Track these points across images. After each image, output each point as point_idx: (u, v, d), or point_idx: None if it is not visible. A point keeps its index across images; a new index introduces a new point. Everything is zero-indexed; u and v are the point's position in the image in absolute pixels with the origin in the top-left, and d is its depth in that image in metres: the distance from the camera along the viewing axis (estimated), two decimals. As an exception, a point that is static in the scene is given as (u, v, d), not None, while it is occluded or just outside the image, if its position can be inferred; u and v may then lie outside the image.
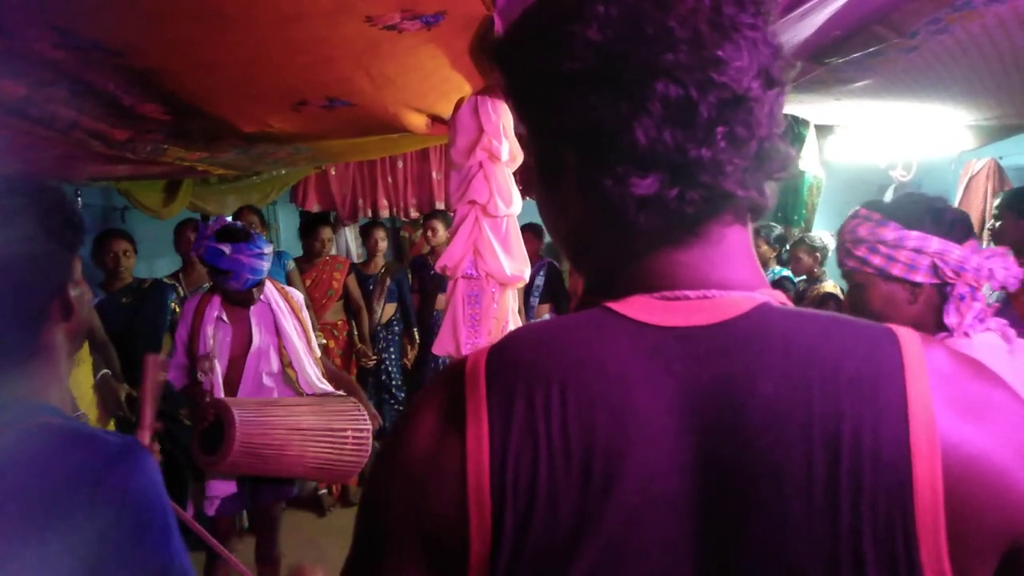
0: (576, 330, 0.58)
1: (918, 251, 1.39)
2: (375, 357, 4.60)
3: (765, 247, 4.39)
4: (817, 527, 0.51)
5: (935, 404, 0.52)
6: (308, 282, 4.31)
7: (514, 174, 2.71)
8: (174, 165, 3.20)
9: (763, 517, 0.52)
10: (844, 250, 1.51)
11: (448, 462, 0.56)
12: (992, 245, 2.26)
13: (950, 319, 1.39)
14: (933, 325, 1.42)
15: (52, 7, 1.57)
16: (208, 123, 2.54)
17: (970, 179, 5.01)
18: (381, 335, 4.71)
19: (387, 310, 4.75)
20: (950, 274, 1.38)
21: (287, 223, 6.28)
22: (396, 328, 4.80)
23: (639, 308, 0.57)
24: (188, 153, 3.06)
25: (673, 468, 0.53)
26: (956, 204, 4.70)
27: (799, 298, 3.98)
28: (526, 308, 4.92)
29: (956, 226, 1.41)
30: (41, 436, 0.86)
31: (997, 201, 3.37)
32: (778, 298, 0.60)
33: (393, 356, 4.76)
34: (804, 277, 4.31)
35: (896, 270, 1.41)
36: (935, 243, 1.38)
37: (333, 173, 5.13)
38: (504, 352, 0.58)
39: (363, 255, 5.27)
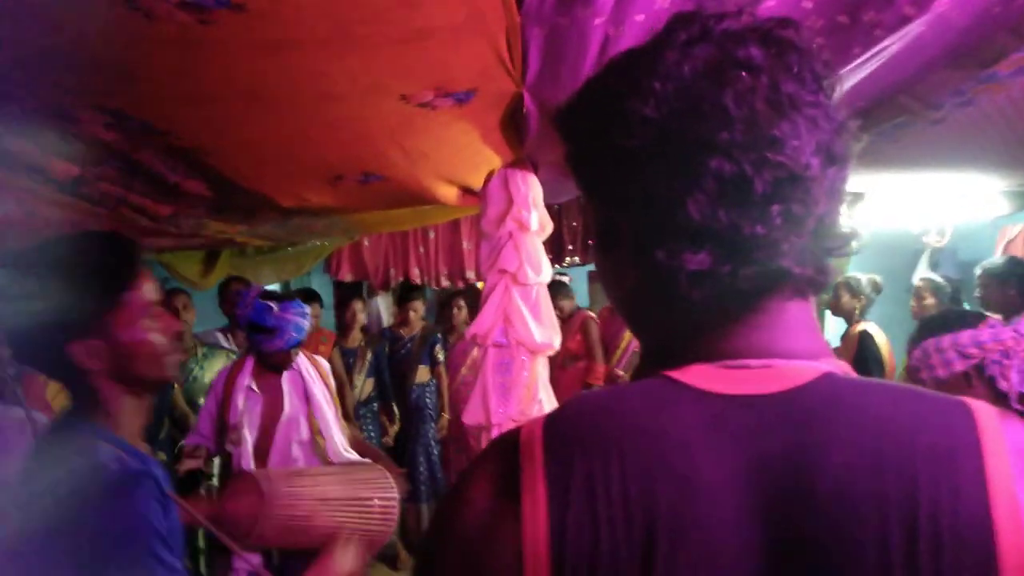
0: (636, 398, 0.57)
1: (941, 351, 1.65)
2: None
3: None
4: None
5: (1017, 480, 0.50)
6: None
7: (544, 243, 2.75)
8: (214, 237, 3.31)
9: None
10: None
11: (504, 535, 0.54)
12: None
13: (1001, 385, 1.57)
14: (995, 400, 1.55)
15: (106, 91, 1.67)
16: (248, 199, 2.64)
17: (1007, 244, 4.93)
18: (360, 412, 4.55)
19: (367, 385, 4.65)
20: (974, 351, 1.60)
21: (322, 294, 6.38)
22: (374, 404, 4.67)
23: (700, 376, 0.56)
24: (228, 227, 3.16)
25: (741, 541, 0.51)
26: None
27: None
28: None
29: (967, 318, 1.70)
30: (70, 457, 1.02)
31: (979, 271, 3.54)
32: (842, 368, 0.58)
33: (372, 434, 4.59)
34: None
35: (941, 373, 1.64)
36: (946, 339, 1.64)
37: (366, 243, 5.23)
38: (561, 421, 0.57)
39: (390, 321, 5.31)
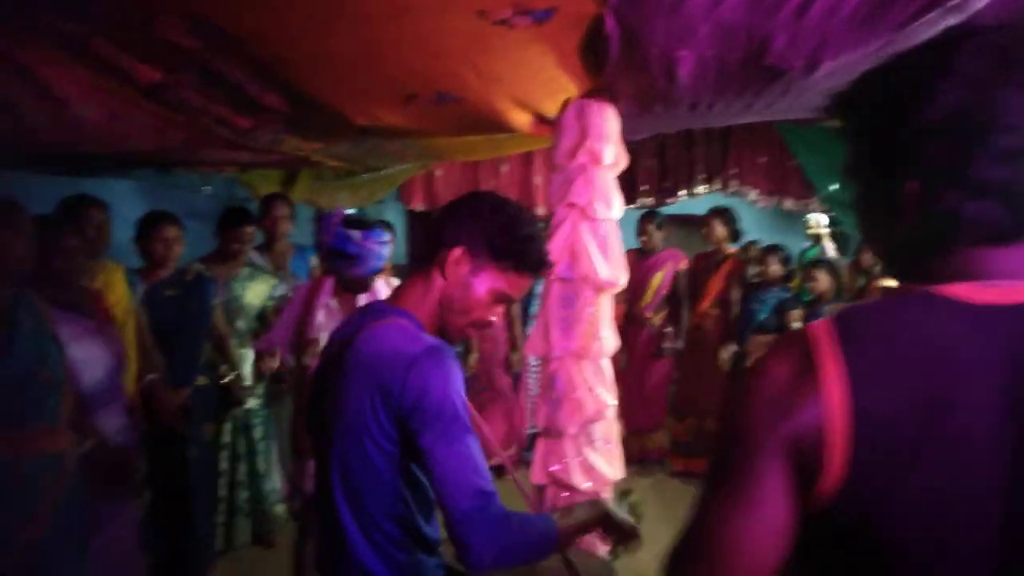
0: (906, 305, 0.75)
1: None
2: None
3: (776, 265, 4.51)
4: None
5: None
6: None
7: (617, 179, 2.67)
8: (291, 155, 3.35)
9: None
10: None
11: (806, 390, 0.72)
12: None
13: None
14: None
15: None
16: (323, 114, 2.65)
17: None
18: None
19: None
20: None
21: (395, 222, 6.45)
22: None
23: (961, 291, 0.73)
24: (305, 143, 3.19)
25: (993, 413, 0.68)
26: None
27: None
28: (525, 318, 4.76)
29: None
30: (392, 328, 1.32)
31: None
32: None
33: None
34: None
35: None
36: None
37: (439, 174, 5.23)
38: (848, 318, 0.75)
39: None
